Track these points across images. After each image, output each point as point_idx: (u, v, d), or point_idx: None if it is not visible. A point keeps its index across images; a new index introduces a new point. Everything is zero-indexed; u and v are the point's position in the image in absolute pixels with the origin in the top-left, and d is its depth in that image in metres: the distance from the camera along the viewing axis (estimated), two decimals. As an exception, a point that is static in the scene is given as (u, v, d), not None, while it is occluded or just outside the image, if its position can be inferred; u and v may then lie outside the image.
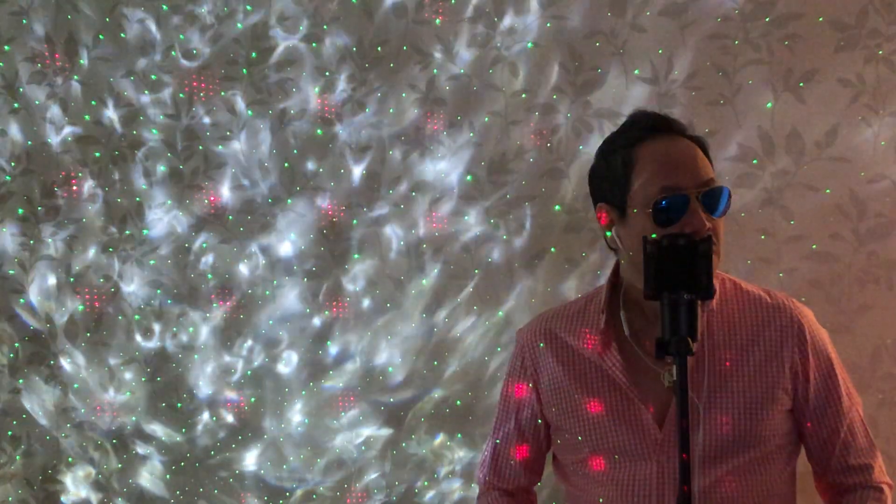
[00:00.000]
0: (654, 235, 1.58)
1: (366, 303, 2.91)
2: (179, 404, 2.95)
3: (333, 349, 2.92)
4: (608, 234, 1.87)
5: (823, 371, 1.88)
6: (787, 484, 1.90)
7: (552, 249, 2.84)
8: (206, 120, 2.92)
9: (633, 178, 1.80)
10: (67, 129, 2.93)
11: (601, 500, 1.87)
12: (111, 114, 2.93)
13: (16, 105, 2.93)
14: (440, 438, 2.91)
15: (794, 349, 1.86)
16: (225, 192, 2.93)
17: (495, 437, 2.06)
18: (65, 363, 2.95)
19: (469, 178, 2.87)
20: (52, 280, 2.95)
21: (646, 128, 1.84)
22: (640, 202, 1.78)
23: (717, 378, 1.82)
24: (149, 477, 2.96)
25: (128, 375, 2.95)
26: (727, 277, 1.93)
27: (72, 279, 2.95)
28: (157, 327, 2.95)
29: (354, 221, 2.91)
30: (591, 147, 2.80)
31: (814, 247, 2.72)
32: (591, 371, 1.90)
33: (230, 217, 2.93)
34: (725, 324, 1.86)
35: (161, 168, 2.94)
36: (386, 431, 2.93)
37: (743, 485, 1.82)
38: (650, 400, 1.84)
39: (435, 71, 2.86)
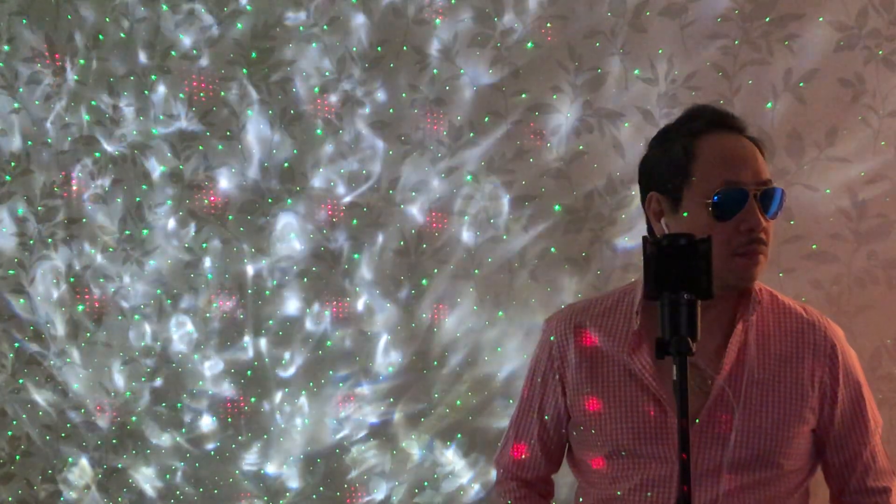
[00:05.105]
0: (664, 233, 1.56)
1: (366, 303, 2.91)
2: (179, 404, 2.95)
3: (333, 349, 2.92)
4: (659, 223, 1.83)
5: (852, 394, 1.87)
6: (799, 502, 1.90)
7: (552, 249, 2.84)
8: (207, 120, 2.92)
9: (693, 170, 1.79)
10: (67, 129, 2.93)
11: (619, 493, 1.86)
12: (111, 114, 2.93)
13: (16, 105, 2.93)
14: (440, 438, 2.91)
15: (826, 369, 1.84)
16: (225, 192, 2.93)
17: (516, 425, 2.03)
18: (65, 363, 2.95)
19: (469, 178, 2.87)
20: (51, 280, 2.95)
21: (710, 121, 1.84)
22: (698, 194, 1.77)
23: (751, 390, 1.81)
24: (149, 477, 2.96)
25: (128, 375, 2.95)
26: (764, 287, 1.90)
27: (72, 279, 2.95)
28: (156, 327, 2.95)
29: (354, 221, 2.91)
30: (591, 147, 2.81)
31: (814, 247, 2.71)
32: (617, 371, 1.87)
33: (230, 217, 2.93)
34: (761, 335, 1.85)
35: (161, 168, 2.94)
36: (386, 431, 2.93)
37: (755, 500, 1.81)
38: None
39: (435, 71, 2.86)
